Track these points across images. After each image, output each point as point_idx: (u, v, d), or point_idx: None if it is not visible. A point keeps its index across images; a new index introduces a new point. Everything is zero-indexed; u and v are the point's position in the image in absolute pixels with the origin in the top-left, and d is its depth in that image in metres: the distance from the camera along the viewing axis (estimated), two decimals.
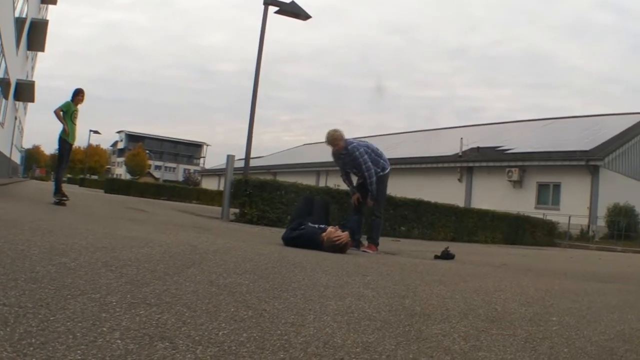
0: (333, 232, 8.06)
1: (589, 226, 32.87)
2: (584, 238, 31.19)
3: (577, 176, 34.12)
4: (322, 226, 8.33)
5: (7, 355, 1.90)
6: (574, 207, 32.88)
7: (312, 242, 7.99)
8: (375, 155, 10.03)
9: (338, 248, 7.92)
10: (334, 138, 9.81)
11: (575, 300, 5.32)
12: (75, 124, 12.40)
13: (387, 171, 10.27)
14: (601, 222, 32.79)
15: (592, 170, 33.51)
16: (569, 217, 31.32)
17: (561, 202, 34.89)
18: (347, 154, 9.88)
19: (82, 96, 12.48)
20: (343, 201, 15.19)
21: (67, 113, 12.17)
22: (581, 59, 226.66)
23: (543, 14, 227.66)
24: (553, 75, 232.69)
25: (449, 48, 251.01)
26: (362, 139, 10.39)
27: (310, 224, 8.48)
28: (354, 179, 10.42)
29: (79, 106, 12.53)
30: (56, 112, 12.08)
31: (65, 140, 12.22)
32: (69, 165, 12.96)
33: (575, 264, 12.85)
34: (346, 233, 8.14)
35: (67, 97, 12.47)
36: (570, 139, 38.81)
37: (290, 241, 8.29)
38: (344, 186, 11.44)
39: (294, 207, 10.34)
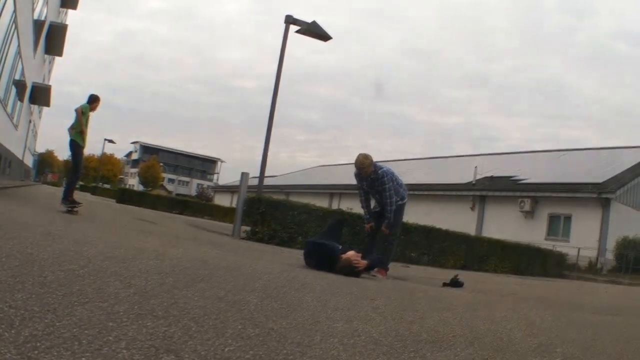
0: (354, 255, 8.03)
1: (597, 258, 32.77)
2: (592, 270, 31.10)
3: (589, 208, 34.08)
4: (346, 247, 8.34)
5: (12, 358, 1.90)
6: (584, 239, 32.82)
7: (330, 254, 7.98)
8: (396, 184, 10.05)
9: (352, 272, 7.88)
10: (363, 164, 9.75)
11: (581, 331, 5.30)
12: (87, 128, 11.98)
13: (405, 200, 10.30)
14: (610, 255, 32.71)
15: (603, 203, 33.48)
16: (578, 249, 31.26)
17: (571, 233, 34.83)
18: (375, 178, 9.87)
19: (98, 103, 12.20)
20: (355, 224, 15.17)
21: (83, 116, 11.76)
22: (598, 90, 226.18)
23: (564, 44, 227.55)
24: (570, 105, 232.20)
25: (467, 75, 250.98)
26: (380, 164, 10.37)
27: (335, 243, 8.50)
28: (372, 203, 10.43)
29: (91, 113, 12.13)
30: (77, 111, 11.69)
31: (80, 145, 11.84)
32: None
33: (582, 295, 12.81)
34: (365, 262, 8.15)
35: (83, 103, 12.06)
36: (583, 171, 38.80)
37: (312, 246, 8.46)
38: (356, 209, 11.42)
39: (327, 224, 10.35)
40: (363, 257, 8.29)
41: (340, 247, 8.38)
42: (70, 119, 11.86)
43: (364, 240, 10.59)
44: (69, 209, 11.18)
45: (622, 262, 31.71)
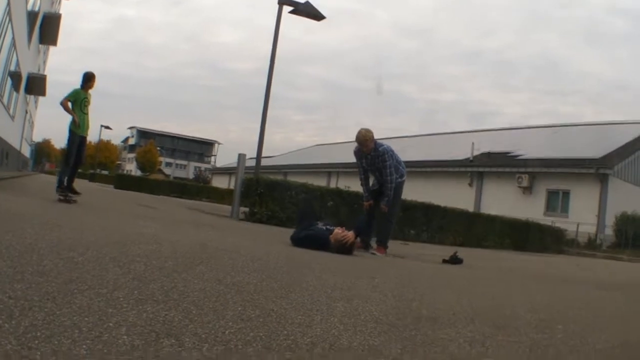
0: (339, 232, 8.06)
1: (596, 234, 32.80)
2: (591, 246, 31.10)
3: (587, 184, 34.07)
4: (331, 228, 8.33)
5: (12, 348, 1.90)
6: (582, 214, 32.84)
7: (320, 242, 8.00)
8: (396, 162, 10.02)
9: (345, 248, 7.92)
10: (366, 139, 9.71)
11: (581, 307, 5.30)
12: (86, 113, 11.45)
13: (404, 178, 10.27)
14: (609, 231, 32.74)
15: (601, 179, 33.45)
16: (577, 224, 31.29)
17: (570, 209, 34.84)
18: (375, 155, 9.84)
19: (93, 81, 11.58)
20: (353, 203, 15.21)
21: (75, 102, 11.25)
22: (595, 65, 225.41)
23: (559, 19, 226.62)
24: (567, 81, 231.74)
25: (463, 51, 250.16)
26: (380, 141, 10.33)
27: (319, 225, 8.49)
28: (370, 181, 10.41)
29: (91, 91, 11.61)
30: (63, 104, 11.18)
31: (74, 132, 11.33)
32: (84, 162, 11.86)
33: (582, 271, 12.82)
34: (352, 232, 8.15)
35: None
36: (581, 146, 38.70)
37: (298, 241, 8.31)
38: (354, 188, 11.38)
39: (298, 210, 10.33)
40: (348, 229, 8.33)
41: (326, 227, 8.39)
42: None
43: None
44: (61, 197, 10.93)
45: (621, 238, 31.76)
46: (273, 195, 15.10)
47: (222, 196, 41.49)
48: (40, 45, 36.20)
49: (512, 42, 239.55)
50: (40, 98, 49.16)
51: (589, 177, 33.84)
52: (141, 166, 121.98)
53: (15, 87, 26.95)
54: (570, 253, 26.31)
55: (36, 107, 54.39)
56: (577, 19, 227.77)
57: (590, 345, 3.51)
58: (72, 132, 11.32)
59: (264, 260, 5.45)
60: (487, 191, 40.12)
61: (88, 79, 11.50)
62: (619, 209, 32.40)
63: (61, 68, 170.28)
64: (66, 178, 11.27)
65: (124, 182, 40.30)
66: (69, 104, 11.19)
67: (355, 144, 10.00)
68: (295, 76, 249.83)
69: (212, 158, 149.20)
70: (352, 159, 10.34)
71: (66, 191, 11.00)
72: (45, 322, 2.26)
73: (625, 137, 37.59)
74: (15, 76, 25.55)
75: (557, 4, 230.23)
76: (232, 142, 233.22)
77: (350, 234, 8.10)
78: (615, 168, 33.97)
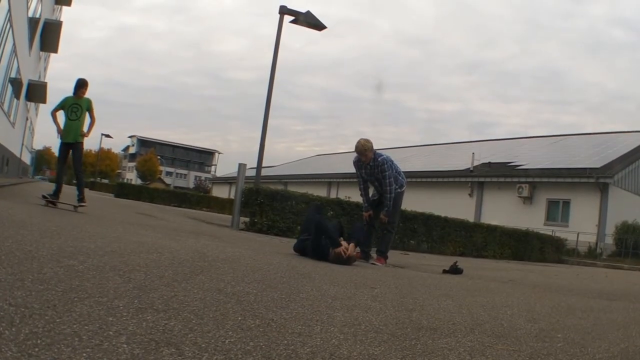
0: (343, 249, 8.03)
1: (596, 243, 32.78)
2: (591, 255, 31.11)
3: (587, 193, 34.07)
4: (337, 227, 8.35)
5: (12, 355, 1.90)
6: (582, 224, 32.83)
7: (321, 252, 7.99)
8: (395, 172, 10.03)
9: (343, 260, 7.90)
10: (365, 149, 9.72)
11: (581, 317, 5.29)
12: (74, 119, 11.33)
13: (403, 188, 10.28)
14: (609, 240, 32.71)
15: (601, 188, 33.44)
16: (578, 234, 31.28)
17: (570, 218, 34.82)
18: (374, 165, 9.85)
19: (86, 88, 11.48)
20: (353, 213, 15.19)
21: (64, 109, 11.33)
22: (596, 75, 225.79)
23: (560, 30, 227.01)
24: (567, 91, 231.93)
25: (464, 62, 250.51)
26: (379, 151, 10.34)
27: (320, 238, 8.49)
28: (370, 191, 10.42)
29: (89, 97, 11.53)
30: (52, 114, 11.38)
31: (61, 141, 11.41)
32: (81, 169, 11.78)
33: (582, 281, 12.78)
34: (352, 244, 8.14)
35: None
36: (581, 156, 38.73)
37: (299, 250, 8.36)
38: (354, 198, 11.35)
39: (305, 217, 10.31)
40: (348, 240, 8.31)
41: (330, 237, 8.35)
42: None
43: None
44: (46, 200, 11.27)
45: (621, 247, 31.71)
46: (273, 205, 15.08)
47: (222, 206, 41.58)
48: (41, 52, 36.25)
49: (514, 52, 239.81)
50: (41, 105, 49.16)
51: (589, 186, 33.85)
52: (141, 175, 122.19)
53: (16, 94, 26.97)
54: (571, 262, 26.30)
55: (37, 115, 54.51)
56: (578, 29, 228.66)
57: (590, 355, 3.50)
58: (60, 141, 11.47)
59: (264, 270, 5.46)
60: (488, 201, 40.12)
61: (79, 85, 11.46)
62: (619, 218, 32.41)
63: (62, 75, 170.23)
64: (76, 192, 11.39)
65: (125, 191, 40.35)
66: (58, 114, 11.40)
67: (355, 154, 10.01)
68: (296, 86, 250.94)
69: (213, 167, 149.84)
70: (352, 169, 10.35)
71: (54, 198, 11.31)
72: (45, 329, 2.26)
73: (625, 146, 37.67)
74: (15, 83, 25.58)
75: (558, 15, 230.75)
76: (233, 152, 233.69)
77: (350, 246, 8.08)
78: (616, 177, 33.97)
